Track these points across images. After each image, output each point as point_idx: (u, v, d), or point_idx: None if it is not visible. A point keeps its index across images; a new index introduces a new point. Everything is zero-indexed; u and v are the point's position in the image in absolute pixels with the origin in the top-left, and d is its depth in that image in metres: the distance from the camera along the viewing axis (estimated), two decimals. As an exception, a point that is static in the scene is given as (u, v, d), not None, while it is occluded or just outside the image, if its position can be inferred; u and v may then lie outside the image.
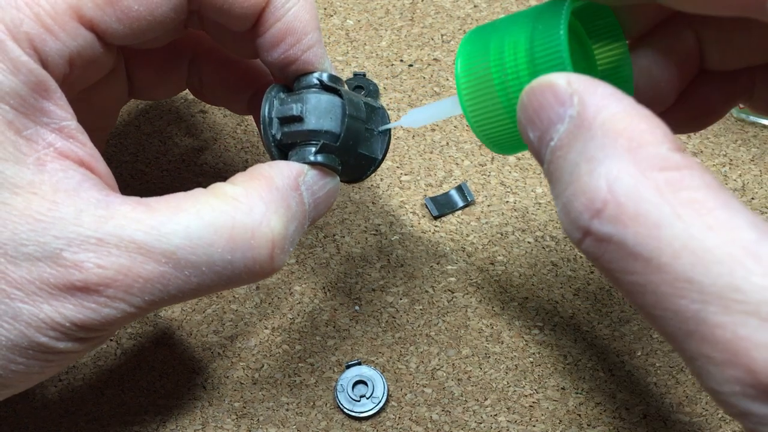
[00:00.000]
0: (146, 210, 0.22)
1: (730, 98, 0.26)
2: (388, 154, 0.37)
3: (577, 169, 0.18)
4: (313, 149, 0.25)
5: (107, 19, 0.22)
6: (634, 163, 0.17)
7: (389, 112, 0.38)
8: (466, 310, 0.33)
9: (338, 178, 0.26)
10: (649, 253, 0.16)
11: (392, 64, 0.39)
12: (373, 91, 0.38)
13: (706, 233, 0.16)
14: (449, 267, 0.34)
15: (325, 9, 0.41)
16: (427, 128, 0.37)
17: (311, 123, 0.25)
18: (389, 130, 0.28)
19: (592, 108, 0.18)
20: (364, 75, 0.39)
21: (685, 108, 0.26)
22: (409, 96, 0.38)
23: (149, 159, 0.37)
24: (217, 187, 0.23)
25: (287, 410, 0.31)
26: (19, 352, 0.21)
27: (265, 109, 0.26)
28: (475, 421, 0.31)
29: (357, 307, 0.33)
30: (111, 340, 0.32)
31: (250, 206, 0.23)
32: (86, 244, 0.21)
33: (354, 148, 0.26)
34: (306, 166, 0.25)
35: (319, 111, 0.25)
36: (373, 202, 0.36)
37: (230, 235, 0.22)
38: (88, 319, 0.21)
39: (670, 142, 0.17)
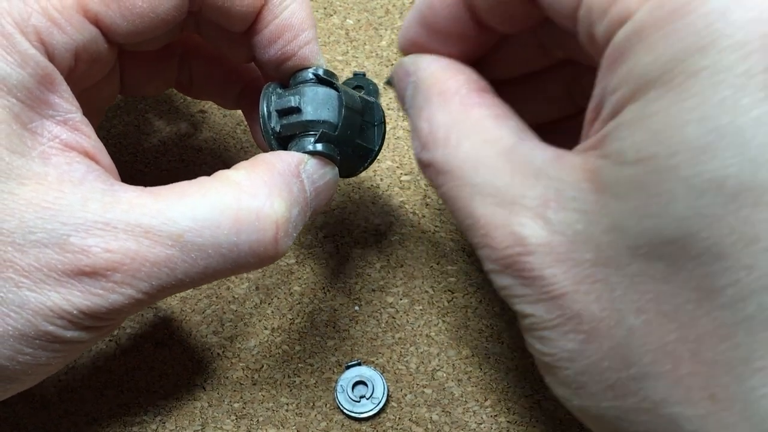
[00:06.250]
0: (151, 196, 0.22)
1: None
2: (388, 155, 0.37)
3: (413, 119, 0.23)
4: (312, 139, 0.26)
5: (112, 15, 0.23)
6: (444, 104, 0.22)
7: (389, 112, 0.38)
8: (467, 311, 0.33)
9: (337, 168, 0.27)
10: (449, 166, 0.21)
11: (392, 64, 0.39)
12: (373, 91, 0.38)
13: (458, 146, 0.21)
14: (449, 267, 0.34)
15: (325, 8, 0.41)
16: (428, 128, 0.37)
17: (309, 113, 0.26)
18: (384, 123, 0.28)
19: (420, 73, 0.23)
20: (364, 75, 0.39)
21: None
22: (410, 96, 0.38)
23: (149, 159, 0.37)
24: (221, 173, 0.24)
25: (287, 411, 0.31)
26: (26, 341, 0.21)
27: (263, 105, 0.26)
28: (476, 422, 0.31)
29: (357, 308, 0.33)
30: (110, 340, 0.32)
31: (253, 189, 0.23)
32: (93, 229, 0.21)
33: (352, 139, 0.27)
34: (306, 156, 0.25)
35: (316, 102, 0.26)
36: (373, 202, 0.36)
37: (236, 217, 0.22)
38: (96, 305, 0.21)
39: (469, 84, 0.22)
